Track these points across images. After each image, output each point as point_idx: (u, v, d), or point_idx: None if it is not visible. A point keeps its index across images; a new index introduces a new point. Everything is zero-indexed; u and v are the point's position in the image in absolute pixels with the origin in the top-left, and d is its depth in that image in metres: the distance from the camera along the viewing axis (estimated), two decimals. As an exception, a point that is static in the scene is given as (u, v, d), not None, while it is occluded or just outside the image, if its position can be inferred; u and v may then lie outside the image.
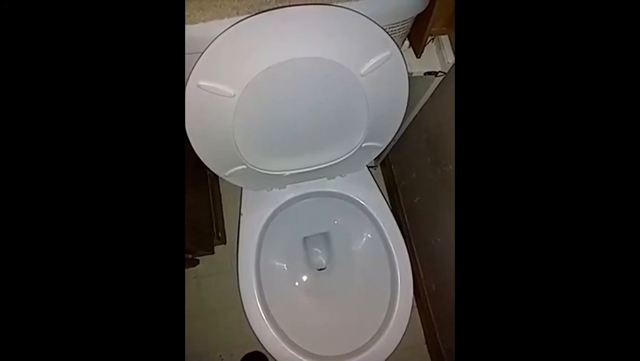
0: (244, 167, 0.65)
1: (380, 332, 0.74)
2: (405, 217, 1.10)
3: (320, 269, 0.98)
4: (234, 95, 0.50)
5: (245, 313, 0.74)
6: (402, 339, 0.73)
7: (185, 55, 0.47)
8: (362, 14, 0.46)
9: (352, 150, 0.68)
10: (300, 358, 0.70)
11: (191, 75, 0.47)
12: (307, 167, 0.70)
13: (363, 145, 0.67)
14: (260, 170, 0.67)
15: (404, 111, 0.62)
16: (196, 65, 0.46)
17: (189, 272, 1.11)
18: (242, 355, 1.06)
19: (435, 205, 0.89)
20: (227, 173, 0.68)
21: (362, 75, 0.52)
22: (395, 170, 1.15)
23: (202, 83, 0.48)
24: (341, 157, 0.69)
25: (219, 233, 1.15)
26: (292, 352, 0.71)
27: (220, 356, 1.07)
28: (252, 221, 0.81)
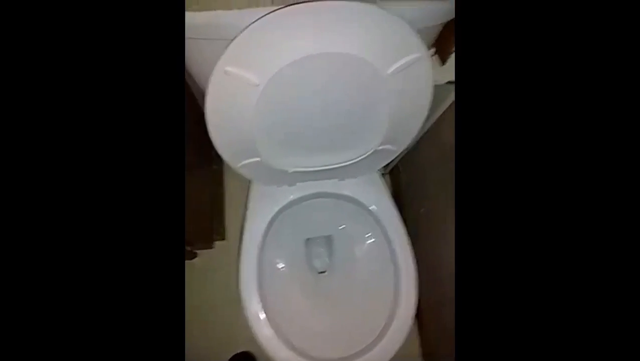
0: (258, 159, 0.65)
1: (374, 343, 0.73)
2: (409, 226, 1.10)
3: (321, 272, 0.97)
4: (259, 84, 0.50)
5: (243, 308, 0.73)
6: (397, 350, 0.72)
7: (217, 41, 0.47)
8: (395, 15, 0.46)
9: (368, 152, 0.67)
10: (297, 357, 0.69)
11: (219, 61, 0.47)
12: (321, 166, 0.70)
13: (379, 147, 0.66)
14: (273, 165, 0.67)
15: (425, 116, 0.62)
16: (226, 51, 0.46)
17: (185, 265, 1.10)
18: (231, 355, 1.04)
19: (442, 218, 0.89)
20: (239, 165, 0.67)
21: (388, 75, 0.52)
22: (403, 178, 1.15)
23: (228, 69, 0.48)
24: (356, 157, 0.68)
25: (220, 229, 1.15)
26: (288, 351, 0.69)
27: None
28: (258, 216, 0.81)
